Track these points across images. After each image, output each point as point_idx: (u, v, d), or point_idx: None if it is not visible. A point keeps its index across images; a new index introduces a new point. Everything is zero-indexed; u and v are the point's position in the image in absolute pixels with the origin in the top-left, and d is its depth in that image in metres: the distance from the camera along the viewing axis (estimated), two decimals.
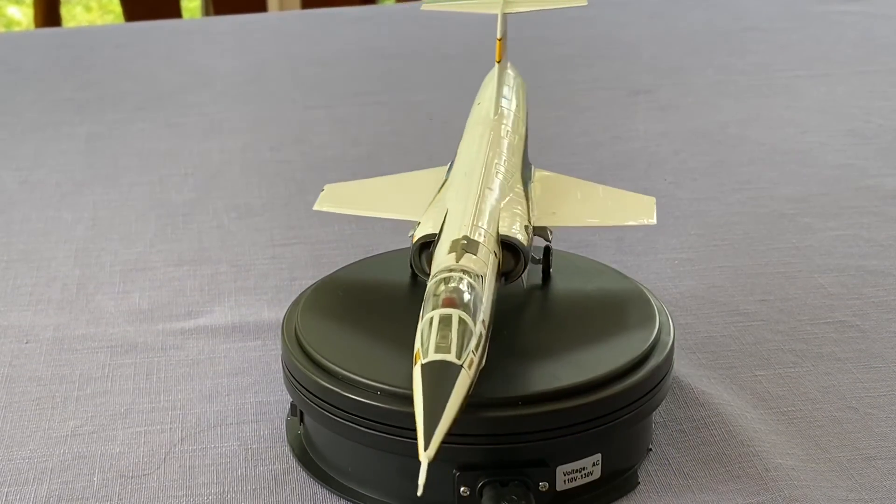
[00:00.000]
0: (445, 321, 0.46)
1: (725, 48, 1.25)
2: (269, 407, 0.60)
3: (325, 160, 0.96)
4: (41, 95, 1.14)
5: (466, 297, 0.47)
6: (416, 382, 0.45)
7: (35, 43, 1.37)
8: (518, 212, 0.54)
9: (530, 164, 0.61)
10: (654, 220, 0.58)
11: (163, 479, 0.55)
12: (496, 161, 0.57)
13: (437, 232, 0.52)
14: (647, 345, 0.53)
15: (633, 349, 0.53)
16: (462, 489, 0.50)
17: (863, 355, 0.64)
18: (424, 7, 0.74)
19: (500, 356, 0.51)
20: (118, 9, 2.43)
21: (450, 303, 0.47)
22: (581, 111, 1.06)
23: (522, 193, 0.57)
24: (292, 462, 0.56)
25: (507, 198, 0.55)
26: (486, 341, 0.48)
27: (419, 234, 0.53)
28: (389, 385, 0.49)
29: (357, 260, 0.64)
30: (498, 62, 0.63)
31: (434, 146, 0.97)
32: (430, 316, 0.46)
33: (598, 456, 0.52)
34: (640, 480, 0.54)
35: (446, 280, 0.48)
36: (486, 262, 0.50)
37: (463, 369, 0.45)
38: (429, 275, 0.50)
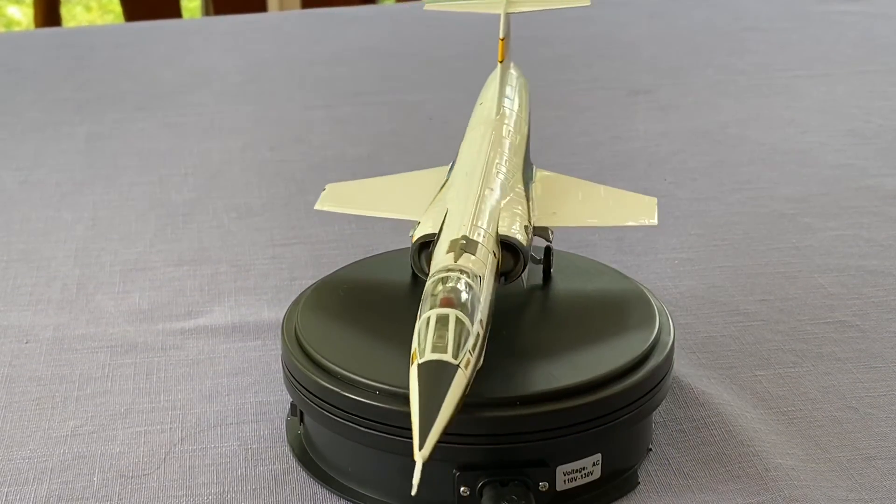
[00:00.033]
0: (442, 321, 0.46)
1: (725, 48, 1.25)
2: (269, 407, 0.60)
3: (325, 160, 0.96)
4: (41, 95, 1.14)
5: (464, 296, 0.47)
6: (412, 382, 0.45)
7: (35, 43, 1.37)
8: (518, 212, 0.54)
9: (532, 163, 0.61)
10: (654, 221, 0.58)
11: (163, 479, 0.55)
12: (497, 161, 0.57)
13: (437, 232, 0.52)
14: (647, 345, 0.53)
15: (633, 349, 0.53)
16: (462, 489, 0.50)
17: (863, 355, 0.64)
18: (427, 7, 0.74)
19: (501, 356, 0.51)
20: (118, 9, 2.43)
21: (447, 303, 0.47)
22: (581, 111, 1.06)
23: (523, 193, 0.57)
24: (292, 462, 0.56)
25: (508, 198, 0.55)
26: (483, 341, 0.48)
27: (419, 233, 0.53)
28: (389, 385, 0.49)
29: (357, 260, 0.64)
30: (500, 62, 0.63)
31: (434, 146, 0.97)
32: (427, 315, 0.46)
33: (598, 456, 0.52)
34: (640, 480, 0.54)
35: (444, 280, 0.48)
36: (484, 262, 0.50)
37: (459, 369, 0.45)
38: (428, 274, 0.50)
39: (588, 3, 0.69)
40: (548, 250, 0.59)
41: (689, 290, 0.72)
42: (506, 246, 0.52)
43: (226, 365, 0.64)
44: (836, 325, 0.67)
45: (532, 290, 0.59)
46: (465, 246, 0.50)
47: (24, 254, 0.79)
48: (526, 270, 0.54)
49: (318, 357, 0.52)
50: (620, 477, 0.53)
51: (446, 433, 0.45)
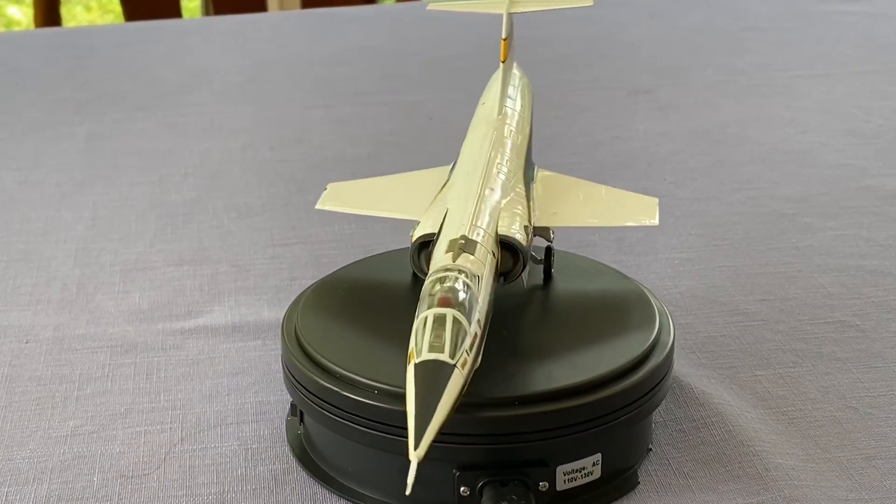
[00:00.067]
0: (440, 321, 0.46)
1: (725, 48, 1.25)
2: (269, 407, 0.60)
3: (325, 160, 0.96)
4: (41, 95, 1.14)
5: (462, 296, 0.47)
6: (408, 382, 0.45)
7: (35, 43, 1.37)
8: (518, 212, 0.54)
9: (533, 163, 0.61)
10: (656, 221, 0.58)
11: (163, 479, 0.55)
12: (498, 161, 0.57)
13: (437, 231, 0.52)
14: (647, 345, 0.53)
15: (633, 349, 0.53)
16: (462, 489, 0.50)
17: (863, 355, 0.64)
18: (430, 7, 0.74)
19: (502, 356, 0.52)
20: (118, 9, 2.43)
21: (445, 302, 0.47)
22: (581, 111, 1.06)
23: (524, 193, 0.57)
24: (292, 462, 0.56)
25: (508, 198, 0.55)
26: (481, 341, 0.48)
27: (418, 233, 0.53)
28: (389, 385, 0.49)
29: (357, 259, 0.64)
30: (503, 62, 0.63)
31: (434, 146, 0.97)
32: (424, 315, 0.46)
33: (598, 456, 0.52)
34: (640, 480, 0.54)
35: (442, 280, 0.48)
36: (483, 261, 0.50)
37: (456, 369, 0.45)
38: (427, 274, 0.50)
39: (591, 3, 0.69)
40: (548, 250, 0.59)
41: (689, 290, 0.72)
42: (505, 246, 0.52)
43: (226, 365, 0.64)
44: (836, 325, 0.67)
45: (532, 290, 0.59)
46: (464, 246, 0.50)
47: (24, 254, 0.79)
48: (526, 270, 0.54)
49: (318, 357, 0.52)
50: (620, 477, 0.53)
51: (446, 433, 0.45)
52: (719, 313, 0.69)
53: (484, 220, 0.52)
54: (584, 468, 0.52)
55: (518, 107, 0.63)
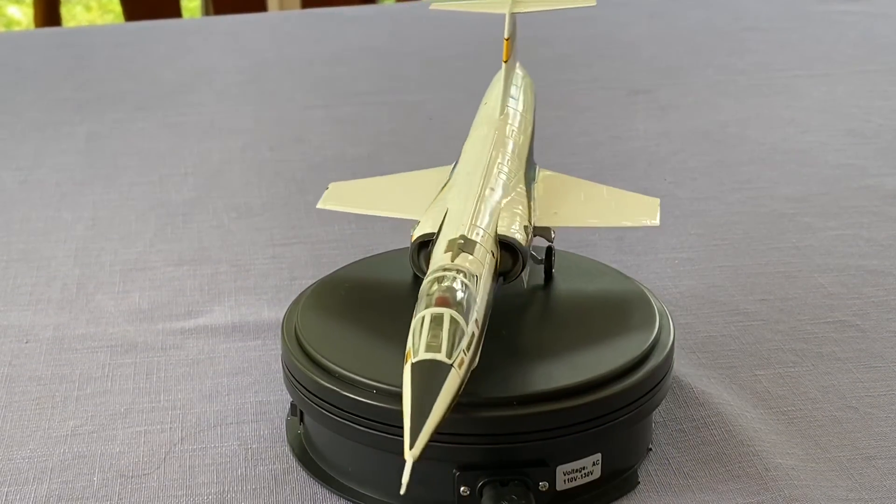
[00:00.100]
0: (437, 320, 0.46)
1: (725, 48, 1.25)
2: (269, 407, 0.60)
3: (325, 160, 0.96)
4: (41, 95, 1.14)
5: (459, 296, 0.47)
6: (405, 381, 0.45)
7: (35, 43, 1.37)
8: (518, 211, 0.54)
9: (535, 163, 0.61)
10: (657, 222, 0.58)
11: (163, 478, 0.55)
12: (499, 161, 0.57)
13: (436, 231, 0.52)
14: (647, 345, 0.53)
15: (633, 349, 0.53)
16: (462, 489, 0.50)
17: (863, 355, 0.64)
18: (433, 6, 0.74)
19: (502, 356, 0.52)
20: (118, 9, 2.43)
21: (442, 302, 0.47)
22: (581, 111, 1.06)
23: (524, 193, 0.57)
24: (292, 462, 0.56)
25: (509, 198, 0.55)
26: (479, 341, 0.48)
27: (418, 233, 0.53)
28: (389, 385, 0.49)
29: (357, 259, 0.64)
30: (505, 62, 0.63)
31: (434, 146, 0.97)
32: (421, 315, 0.46)
33: (598, 456, 0.52)
34: (640, 480, 0.54)
35: (440, 279, 0.48)
36: (482, 261, 0.50)
37: (453, 369, 0.45)
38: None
39: (594, 4, 0.69)
40: (549, 250, 0.59)
41: (689, 290, 0.72)
42: (505, 246, 0.52)
43: (226, 365, 0.64)
44: (836, 325, 0.67)
45: (533, 290, 0.59)
46: (463, 245, 0.50)
47: (24, 254, 0.79)
48: (526, 270, 0.54)
49: (318, 357, 0.52)
50: (620, 477, 0.53)
51: (447, 433, 0.45)
52: (719, 313, 0.69)
53: (484, 220, 0.52)
54: (584, 468, 0.52)
55: (520, 107, 0.63)
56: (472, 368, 0.47)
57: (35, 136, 1.02)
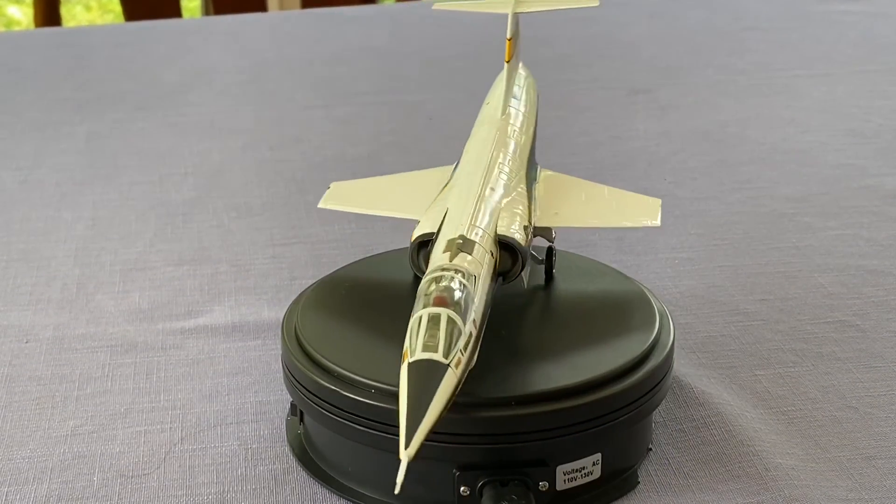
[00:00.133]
0: (434, 320, 0.46)
1: (725, 48, 1.25)
2: (269, 407, 0.60)
3: (325, 160, 0.96)
4: (41, 95, 1.14)
5: (457, 296, 0.47)
6: (401, 381, 0.45)
7: (35, 43, 1.37)
8: (518, 212, 0.54)
9: (536, 164, 0.61)
10: (658, 223, 0.58)
11: (163, 478, 0.55)
12: (500, 161, 0.57)
13: (436, 231, 0.52)
14: (647, 345, 0.53)
15: (633, 349, 0.53)
16: (462, 489, 0.50)
17: (863, 355, 0.64)
18: (436, 6, 0.74)
19: (502, 356, 0.52)
20: (118, 8, 2.43)
21: (440, 302, 0.47)
22: (581, 111, 1.06)
23: (525, 193, 0.57)
24: (292, 462, 0.56)
25: (509, 198, 0.55)
26: (476, 341, 0.48)
27: (417, 233, 0.53)
28: (389, 384, 0.49)
29: (357, 259, 0.64)
30: (507, 62, 0.63)
31: (434, 146, 0.97)
32: (419, 314, 0.46)
33: (598, 456, 0.52)
34: (640, 480, 0.54)
35: (438, 279, 0.48)
36: (481, 261, 0.50)
37: (450, 368, 0.45)
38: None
39: (597, 4, 0.69)
40: (550, 251, 0.59)
41: (689, 290, 0.72)
42: (505, 246, 0.52)
43: (226, 365, 0.64)
44: (836, 325, 0.67)
45: (534, 290, 0.59)
46: (462, 245, 0.50)
47: (24, 254, 0.79)
48: (526, 270, 0.54)
49: (318, 357, 0.52)
50: (620, 477, 0.53)
51: (447, 433, 0.45)
52: (719, 313, 0.69)
53: (483, 220, 0.52)
54: (584, 468, 0.52)
55: (522, 107, 0.63)
56: (469, 368, 0.47)
57: (35, 136, 1.02)
